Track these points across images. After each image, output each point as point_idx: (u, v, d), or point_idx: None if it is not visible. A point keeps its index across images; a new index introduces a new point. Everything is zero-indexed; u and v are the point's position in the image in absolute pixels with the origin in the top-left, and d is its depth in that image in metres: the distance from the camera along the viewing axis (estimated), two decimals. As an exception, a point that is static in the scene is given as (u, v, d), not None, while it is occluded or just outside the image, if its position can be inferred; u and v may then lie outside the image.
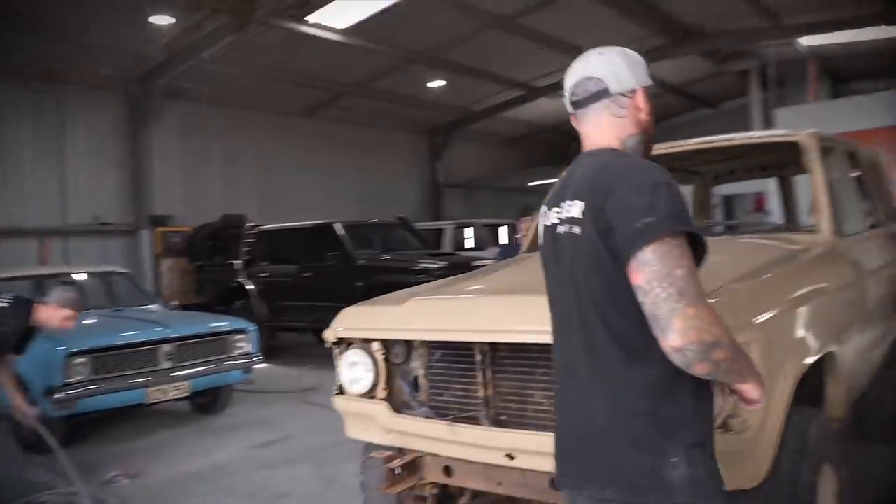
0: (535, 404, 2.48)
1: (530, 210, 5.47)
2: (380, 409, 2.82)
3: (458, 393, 2.69)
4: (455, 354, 2.67)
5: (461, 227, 13.39)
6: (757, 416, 2.04)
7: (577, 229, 1.54)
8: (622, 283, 1.45)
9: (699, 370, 1.41)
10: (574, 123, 1.76)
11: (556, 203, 1.66)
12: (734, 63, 14.58)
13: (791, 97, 14.79)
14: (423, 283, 8.32)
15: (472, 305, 2.68)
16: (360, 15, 10.26)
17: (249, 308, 10.12)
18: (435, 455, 2.74)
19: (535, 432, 2.42)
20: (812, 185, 3.43)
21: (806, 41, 13.30)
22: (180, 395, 6.11)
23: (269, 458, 5.23)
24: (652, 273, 1.39)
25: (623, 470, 1.48)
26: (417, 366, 2.84)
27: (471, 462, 2.63)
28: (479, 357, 2.55)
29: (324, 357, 9.70)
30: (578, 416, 1.57)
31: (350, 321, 2.97)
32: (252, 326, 6.68)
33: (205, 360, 6.21)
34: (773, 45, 13.13)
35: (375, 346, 2.84)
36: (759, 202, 15.44)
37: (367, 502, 3.20)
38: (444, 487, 2.84)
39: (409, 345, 2.84)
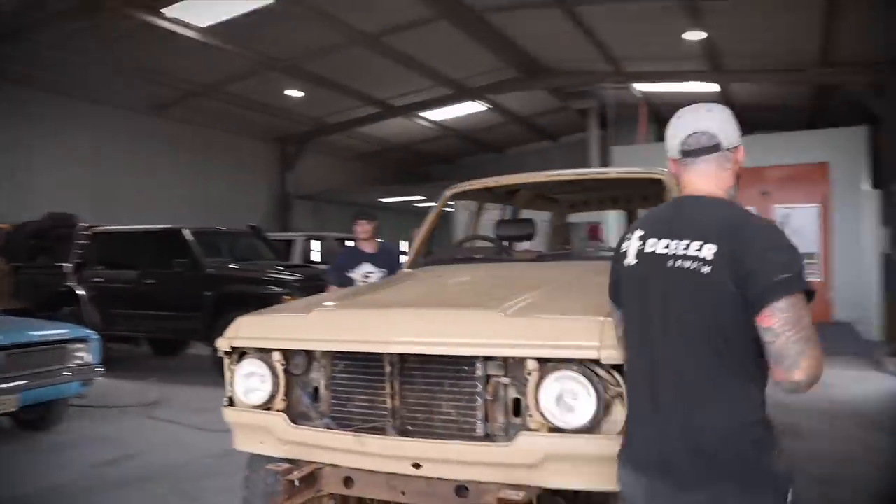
0: (443, 414, 2.56)
1: (366, 214, 5.58)
2: (278, 420, 2.76)
3: (362, 404, 2.69)
4: (361, 366, 2.69)
5: (311, 239, 13.22)
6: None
7: (706, 269, 1.75)
8: (746, 320, 1.71)
9: (799, 392, 1.70)
10: (674, 168, 1.97)
11: (664, 236, 1.86)
12: (576, 101, 15.67)
13: (624, 137, 16.14)
14: (277, 294, 8.20)
15: (383, 317, 2.70)
16: (223, 15, 9.90)
17: (79, 315, 9.32)
18: (335, 466, 2.72)
19: (442, 441, 2.50)
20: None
21: (639, 87, 14.64)
22: (6, 410, 5.52)
23: (117, 478, 4.86)
24: (785, 319, 1.65)
25: (743, 466, 1.72)
26: (318, 377, 2.82)
27: (373, 472, 2.64)
28: (388, 368, 2.59)
29: (163, 370, 9.14)
30: (693, 421, 1.77)
31: (247, 330, 2.88)
32: (94, 335, 6.18)
33: (38, 370, 5.66)
34: (612, 88, 14.30)
35: (276, 356, 2.78)
36: (593, 231, 16.61)
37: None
38: (343, 499, 2.84)
39: (309, 355, 2.82)
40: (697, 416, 1.76)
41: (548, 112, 17.99)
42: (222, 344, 2.91)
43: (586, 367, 2.29)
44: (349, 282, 5.18)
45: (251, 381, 2.83)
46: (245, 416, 2.85)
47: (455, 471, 2.49)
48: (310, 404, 2.80)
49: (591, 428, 2.30)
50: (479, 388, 2.50)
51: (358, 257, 5.45)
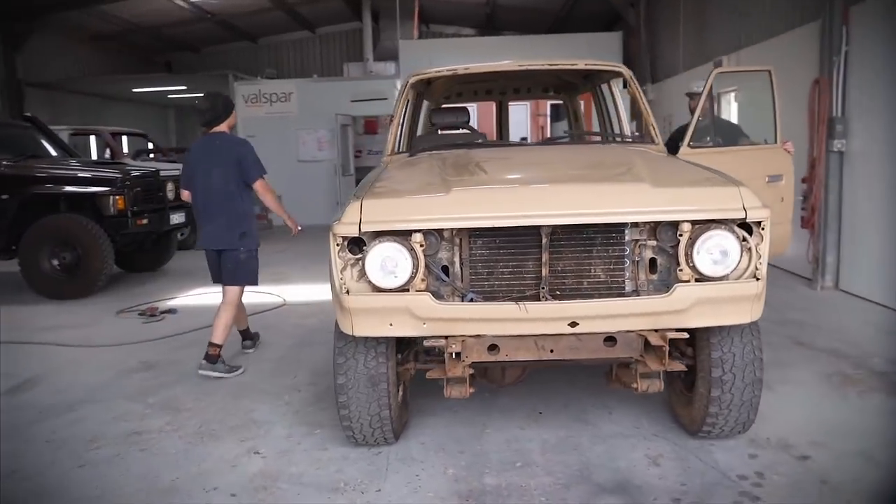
0: (592, 277, 2.87)
1: None
2: (423, 299, 2.79)
3: (507, 275, 2.88)
4: (507, 240, 2.84)
5: (80, 133, 11.56)
6: (766, 269, 2.85)
7: None
8: None
9: None
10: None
11: None
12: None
13: (393, 33, 16.34)
14: (102, 195, 7.23)
15: (538, 193, 2.84)
16: None
17: None
18: (478, 336, 2.89)
19: (597, 301, 2.83)
20: (640, 107, 4.36)
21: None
22: None
23: (47, 404, 4.22)
24: None
25: None
26: (449, 255, 2.91)
27: (519, 337, 2.88)
28: (545, 240, 2.79)
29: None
30: None
31: (379, 213, 2.80)
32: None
33: None
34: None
35: (417, 237, 2.79)
36: (370, 125, 16.97)
37: (356, 395, 3.13)
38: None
39: (440, 235, 2.88)
40: None
41: (313, 1, 17.33)
42: (343, 230, 2.81)
43: (732, 226, 2.77)
44: None
45: (387, 265, 2.80)
46: (379, 299, 2.83)
47: (607, 324, 2.85)
48: (448, 282, 2.89)
49: (729, 276, 2.81)
50: (628, 251, 2.86)
51: None
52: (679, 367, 2.92)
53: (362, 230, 2.79)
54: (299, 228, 4.87)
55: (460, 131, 4.56)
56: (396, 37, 15.14)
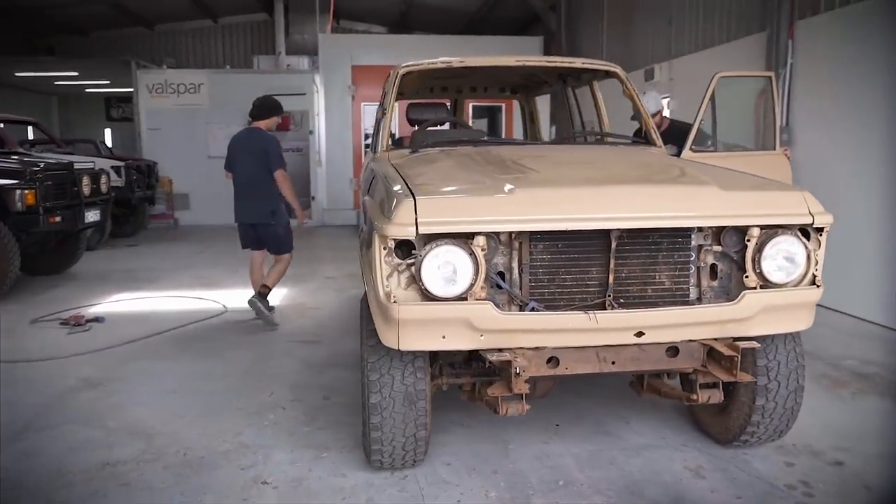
0: (656, 284, 2.71)
1: None
2: (486, 309, 2.53)
3: (568, 282, 2.66)
4: (571, 244, 2.63)
5: (-41, 120, 10.25)
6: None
7: None
8: None
9: None
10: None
11: None
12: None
13: (305, 26, 15.78)
14: (10, 189, 6.40)
15: (610, 194, 2.62)
16: None
17: None
18: (537, 349, 2.66)
19: (665, 309, 2.67)
20: (638, 109, 4.26)
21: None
22: None
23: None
24: None
25: None
26: (505, 261, 2.67)
27: (580, 348, 2.68)
28: (614, 244, 2.61)
29: None
30: None
31: (437, 213, 2.49)
32: None
33: None
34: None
35: (480, 240, 2.52)
36: (285, 119, 16.20)
37: (391, 415, 2.83)
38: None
39: (497, 238, 2.63)
40: None
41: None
42: (395, 231, 2.49)
43: (796, 231, 2.69)
44: None
45: (445, 271, 2.51)
46: (436, 310, 2.53)
47: (673, 334, 2.70)
48: (507, 289, 2.64)
49: (797, 281, 2.73)
50: (693, 256, 2.72)
51: None
52: (748, 377, 2.80)
53: (420, 231, 2.49)
54: (307, 220, 6.08)
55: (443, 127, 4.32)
56: (312, 30, 14.63)
